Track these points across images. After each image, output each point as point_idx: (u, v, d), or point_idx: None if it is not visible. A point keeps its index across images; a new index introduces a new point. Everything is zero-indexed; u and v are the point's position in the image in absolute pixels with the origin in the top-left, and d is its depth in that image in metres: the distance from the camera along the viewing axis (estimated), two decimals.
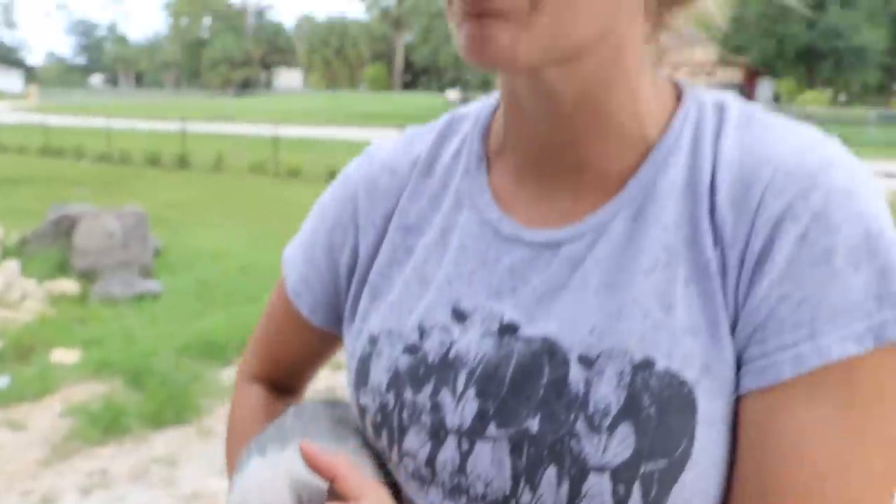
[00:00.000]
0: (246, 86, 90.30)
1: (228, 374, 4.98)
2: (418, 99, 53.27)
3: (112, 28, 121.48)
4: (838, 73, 46.17)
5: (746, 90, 43.62)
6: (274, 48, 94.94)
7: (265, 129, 21.42)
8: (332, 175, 15.48)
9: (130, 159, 19.36)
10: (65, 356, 5.20)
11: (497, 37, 0.58)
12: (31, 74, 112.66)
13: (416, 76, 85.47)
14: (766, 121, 0.67)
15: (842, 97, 49.16)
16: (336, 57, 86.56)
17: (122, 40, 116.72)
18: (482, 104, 0.80)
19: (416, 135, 0.82)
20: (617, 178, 0.68)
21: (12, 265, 6.55)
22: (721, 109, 0.68)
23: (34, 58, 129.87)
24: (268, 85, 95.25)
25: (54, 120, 28.92)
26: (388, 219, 0.78)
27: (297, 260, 0.86)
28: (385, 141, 0.84)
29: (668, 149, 0.67)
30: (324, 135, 25.48)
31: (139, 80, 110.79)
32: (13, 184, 15.38)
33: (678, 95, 0.71)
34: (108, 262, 7.06)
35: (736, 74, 47.38)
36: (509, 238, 0.70)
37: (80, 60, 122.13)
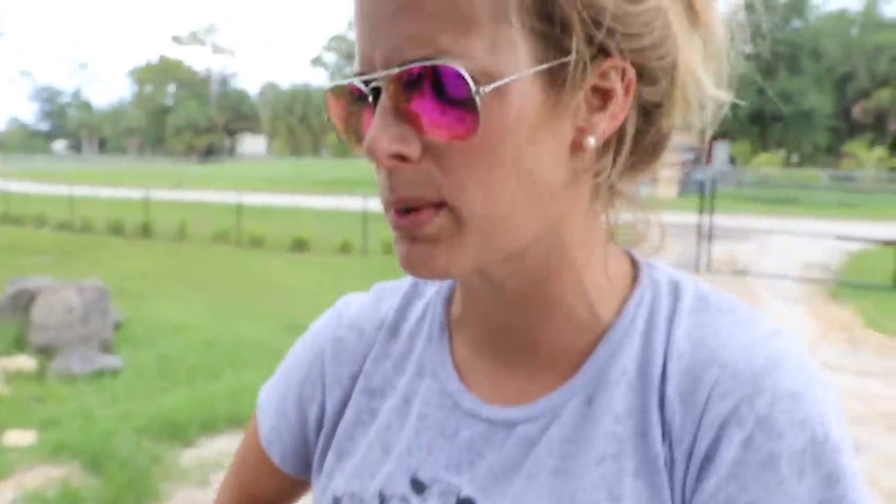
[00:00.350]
0: (210, 152, 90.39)
1: (189, 456, 4.89)
2: None
3: (76, 94, 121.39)
4: (789, 135, 47.72)
5: (702, 153, 44.73)
6: (238, 115, 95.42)
7: (229, 197, 21.41)
8: (296, 244, 15.49)
9: (93, 227, 19.18)
10: (20, 438, 5.07)
11: (429, 258, 0.62)
12: None
13: None
14: (720, 306, 0.68)
15: (794, 158, 50.57)
16: (300, 124, 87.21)
17: (86, 106, 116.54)
18: None
19: (385, 292, 0.84)
20: (571, 360, 0.69)
21: None
22: (676, 292, 0.69)
23: None
24: (232, 151, 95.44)
25: (16, 186, 28.63)
26: (354, 380, 0.80)
27: (269, 409, 0.87)
28: (354, 297, 0.86)
29: (623, 332, 0.68)
30: (288, 202, 25.49)
31: (103, 146, 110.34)
32: None
33: (634, 272, 0.72)
34: (67, 337, 6.94)
35: (691, 137, 48.68)
36: (468, 412, 0.72)
37: (44, 126, 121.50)
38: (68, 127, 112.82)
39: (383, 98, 0.60)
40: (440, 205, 0.61)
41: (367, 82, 0.61)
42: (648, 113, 0.67)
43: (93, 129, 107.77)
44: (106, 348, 7.14)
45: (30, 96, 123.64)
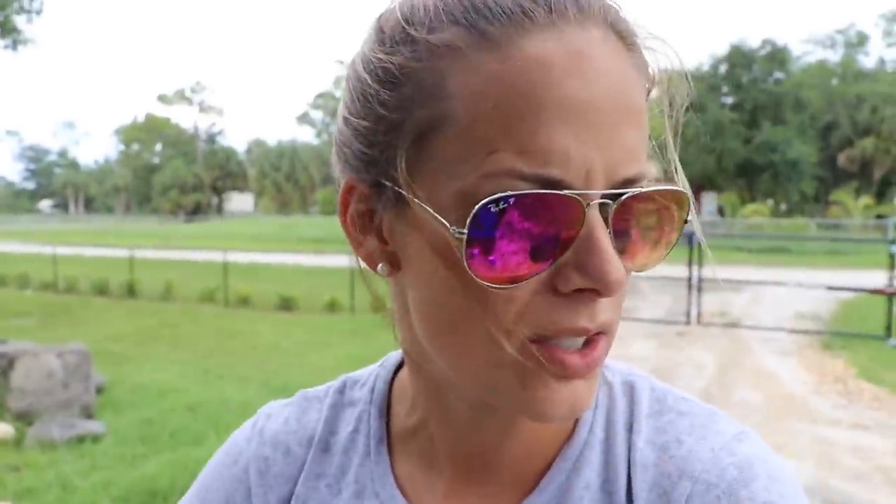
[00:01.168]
0: (197, 210, 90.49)
1: None
2: None
3: (63, 153, 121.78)
4: (776, 184, 48.29)
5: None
6: (225, 173, 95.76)
7: (215, 255, 21.30)
8: (283, 302, 15.31)
9: (77, 288, 18.99)
10: None
11: (587, 396, 0.57)
12: None
13: None
14: (679, 408, 0.65)
15: (782, 207, 51.12)
16: (287, 181, 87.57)
17: (72, 165, 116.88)
18: (375, 372, 0.77)
19: (310, 401, 0.77)
20: (532, 476, 0.65)
21: None
22: (631, 393, 0.66)
23: None
24: (219, 209, 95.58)
25: None
26: (286, 502, 0.73)
27: None
28: (276, 406, 0.79)
29: (581, 443, 0.65)
30: (275, 260, 25.39)
31: (89, 204, 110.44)
32: None
33: None
34: (47, 402, 6.78)
35: None
36: None
37: (30, 185, 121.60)
38: (55, 186, 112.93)
39: (598, 218, 0.52)
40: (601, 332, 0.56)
41: (585, 197, 0.52)
42: None
43: (79, 187, 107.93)
44: (87, 413, 6.97)
45: (16, 156, 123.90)
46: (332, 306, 14.85)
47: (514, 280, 0.53)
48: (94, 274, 19.41)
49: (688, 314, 12.91)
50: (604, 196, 0.52)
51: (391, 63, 0.56)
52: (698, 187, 48.65)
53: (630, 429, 0.64)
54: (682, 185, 0.59)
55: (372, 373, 0.77)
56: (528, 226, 0.52)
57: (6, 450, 6.10)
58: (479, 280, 0.53)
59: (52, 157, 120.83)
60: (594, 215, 0.52)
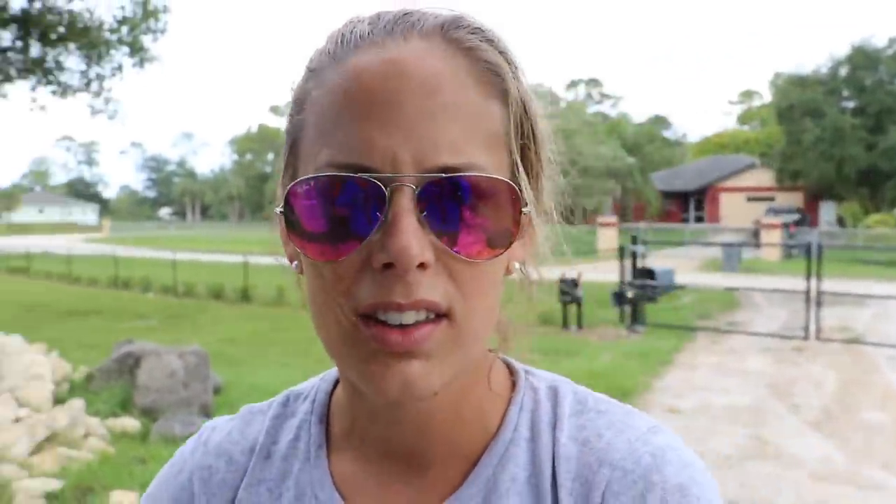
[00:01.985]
0: None
1: None
2: None
3: (181, 163, 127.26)
4: None
5: (808, 214, 43.25)
6: None
7: None
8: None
9: (194, 292, 19.78)
10: (123, 498, 5.13)
11: (423, 377, 0.60)
12: (105, 207, 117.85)
13: None
14: (598, 407, 0.69)
15: None
16: None
17: (190, 174, 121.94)
18: (317, 385, 0.80)
19: (254, 415, 0.80)
20: (459, 473, 0.69)
21: (77, 404, 6.59)
22: (555, 397, 0.71)
23: (109, 191, 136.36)
24: None
25: (123, 251, 29.92)
26: None
27: None
28: (221, 421, 0.82)
29: (507, 440, 0.69)
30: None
31: (205, 212, 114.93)
32: (83, 316, 15.80)
33: (512, 378, 0.73)
34: (169, 400, 7.08)
35: (796, 198, 47.16)
36: None
37: (151, 193, 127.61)
38: (173, 194, 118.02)
39: (404, 201, 0.58)
40: (439, 316, 0.60)
41: (386, 181, 0.58)
42: None
43: (196, 195, 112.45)
44: (206, 412, 7.25)
45: (139, 166, 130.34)
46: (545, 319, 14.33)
47: (335, 256, 0.59)
48: (211, 279, 20.18)
49: (806, 329, 12.40)
50: (408, 180, 0.57)
51: (293, 91, 0.68)
52: (816, 196, 46.71)
53: (554, 427, 0.68)
54: (520, 178, 0.63)
55: (314, 386, 0.80)
56: (334, 206, 0.59)
57: (134, 443, 6.42)
58: (306, 256, 0.62)
59: (172, 167, 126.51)
60: (400, 199, 0.57)
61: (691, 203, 55.04)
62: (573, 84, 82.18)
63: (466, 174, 0.59)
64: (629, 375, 9.17)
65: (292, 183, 0.61)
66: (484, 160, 0.59)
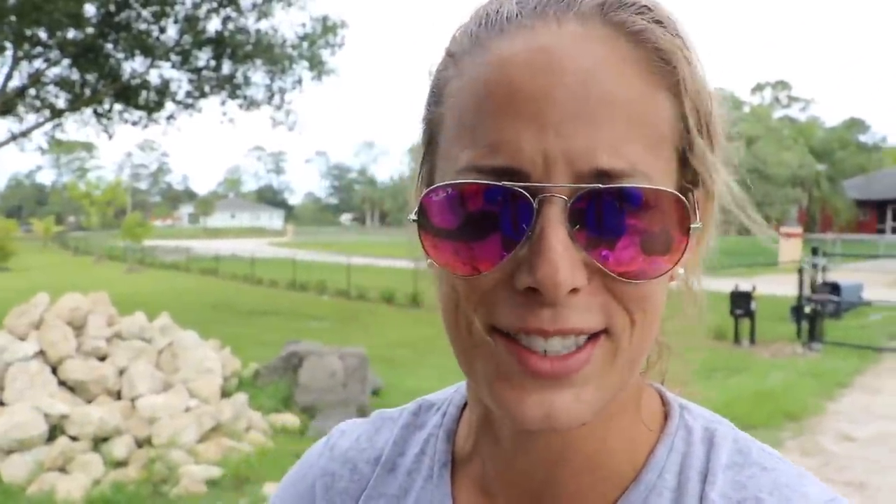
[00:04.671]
0: None
1: None
2: None
3: (362, 171, 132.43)
4: None
5: None
6: None
7: None
8: None
9: (367, 296, 20.45)
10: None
11: (574, 408, 0.52)
12: (290, 213, 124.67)
13: None
14: (763, 463, 0.59)
15: None
16: None
17: (370, 182, 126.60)
18: (451, 395, 0.74)
19: (384, 421, 0.77)
20: None
21: (241, 398, 6.96)
22: (710, 443, 0.61)
23: (294, 198, 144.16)
24: None
25: (303, 255, 31.46)
26: None
27: None
28: (350, 426, 0.79)
29: (649, 486, 0.60)
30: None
31: (383, 218, 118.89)
32: (261, 315, 16.72)
33: (665, 413, 0.64)
34: (328, 399, 7.33)
35: None
36: None
37: (333, 200, 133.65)
38: (354, 201, 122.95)
39: (554, 214, 0.50)
40: (599, 333, 0.52)
41: (534, 190, 0.50)
42: None
43: (375, 203, 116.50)
44: (362, 413, 7.44)
45: (323, 173, 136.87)
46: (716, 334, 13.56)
47: (473, 269, 0.53)
48: (383, 284, 20.78)
49: None
50: (559, 190, 0.50)
51: (431, 76, 0.61)
52: None
53: (704, 479, 0.59)
54: (689, 184, 0.55)
55: (447, 397, 0.75)
56: (474, 217, 0.52)
57: (293, 438, 6.70)
58: (440, 266, 0.55)
59: (353, 175, 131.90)
60: (549, 210, 0.50)
61: (888, 213, 51.06)
62: (759, 87, 78.50)
63: (628, 185, 0.50)
64: (799, 396, 8.55)
65: (427, 189, 0.54)
66: (649, 163, 0.51)
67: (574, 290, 0.50)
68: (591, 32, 0.52)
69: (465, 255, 0.53)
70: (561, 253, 0.49)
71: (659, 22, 0.54)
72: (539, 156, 0.50)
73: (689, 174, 0.55)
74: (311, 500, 0.75)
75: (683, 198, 0.51)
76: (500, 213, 0.51)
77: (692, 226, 0.52)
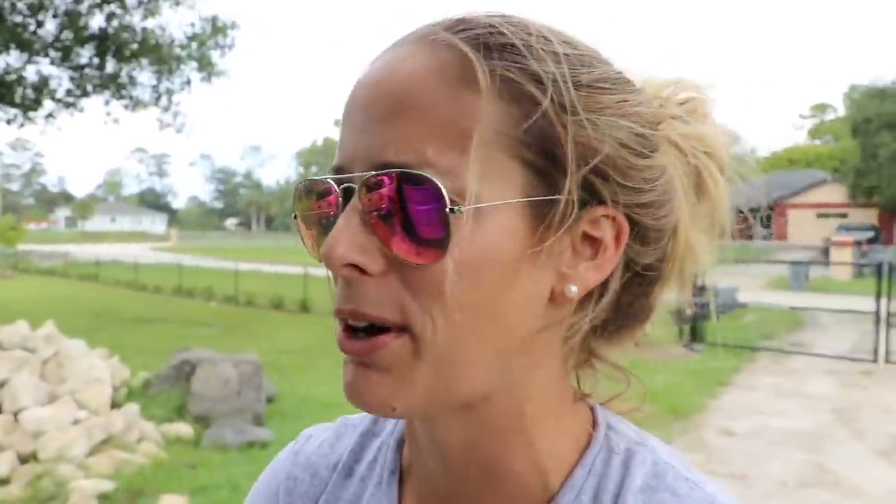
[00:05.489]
0: None
1: None
2: None
3: (248, 175, 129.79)
4: None
5: (882, 231, 41.93)
6: None
7: None
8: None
9: (255, 302, 20.09)
10: (172, 502, 5.22)
11: (375, 389, 0.57)
12: (173, 217, 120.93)
13: None
14: (676, 489, 0.60)
15: None
16: None
17: (256, 186, 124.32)
18: None
19: (347, 428, 0.80)
20: None
21: (133, 408, 6.74)
22: (626, 466, 0.62)
23: (178, 202, 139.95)
24: None
25: (189, 261, 30.63)
26: None
27: None
28: (316, 431, 0.82)
29: None
30: None
31: (270, 223, 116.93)
32: (146, 323, 16.18)
33: (592, 433, 0.65)
34: (222, 408, 7.19)
35: (870, 215, 45.76)
36: None
37: (218, 204, 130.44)
38: (240, 205, 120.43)
39: (354, 200, 0.56)
40: (400, 330, 0.56)
41: (340, 181, 0.58)
42: (639, 275, 0.63)
43: (262, 207, 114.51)
44: (258, 421, 7.34)
45: (207, 177, 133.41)
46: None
47: (317, 255, 0.60)
48: (272, 289, 20.45)
49: (875, 351, 11.96)
50: (354, 181, 0.57)
51: None
52: (891, 213, 45.17)
53: (616, 501, 0.61)
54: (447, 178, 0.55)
55: None
56: (313, 208, 0.61)
57: (186, 449, 6.54)
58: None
59: (239, 179, 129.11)
60: (342, 198, 0.58)
61: (758, 219, 53.68)
62: None
63: (389, 170, 0.55)
64: (684, 395, 8.96)
65: (296, 183, 0.62)
66: (449, 160, 0.54)
67: (360, 270, 0.55)
68: (418, 49, 0.58)
69: (310, 242, 0.63)
70: (341, 229, 0.55)
71: (489, 35, 0.58)
72: (351, 154, 0.58)
73: (553, 183, 0.57)
74: (276, 502, 0.78)
75: (440, 185, 0.53)
76: (321, 204, 0.60)
77: (453, 209, 0.53)
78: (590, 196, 0.58)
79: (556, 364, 0.63)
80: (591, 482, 0.62)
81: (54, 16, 16.00)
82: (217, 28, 17.50)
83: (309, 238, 0.62)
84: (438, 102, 0.55)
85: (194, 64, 17.67)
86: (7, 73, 16.42)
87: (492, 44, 0.57)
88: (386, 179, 0.55)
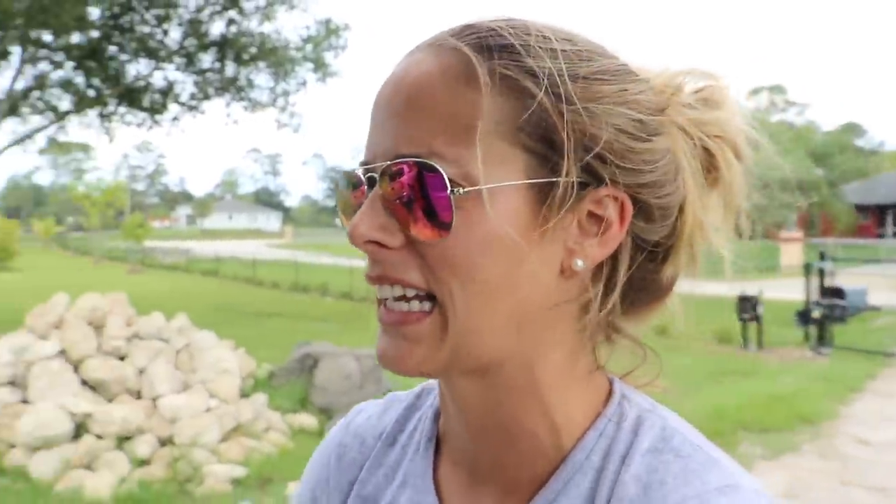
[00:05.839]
0: None
1: None
2: None
3: None
4: None
5: None
6: None
7: None
8: (657, 330, 14.42)
9: (370, 297, 20.28)
10: None
11: (405, 358, 0.65)
12: (287, 215, 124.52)
13: None
14: (680, 450, 0.64)
15: None
16: None
17: None
18: None
19: (393, 402, 0.86)
20: (528, 486, 0.69)
21: (261, 398, 7.03)
22: (636, 431, 0.67)
23: (291, 200, 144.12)
24: None
25: (303, 257, 31.45)
26: (351, 486, 0.83)
27: None
28: (367, 406, 0.89)
29: (576, 466, 0.67)
30: None
31: None
32: (266, 317, 16.76)
33: (607, 401, 0.70)
34: (344, 401, 7.40)
35: None
36: None
37: (330, 202, 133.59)
38: None
39: (376, 188, 0.64)
40: (426, 298, 0.63)
41: (366, 171, 0.66)
42: (651, 252, 0.69)
43: None
44: None
45: (320, 176, 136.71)
46: (723, 338, 12.96)
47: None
48: None
49: None
50: (372, 170, 0.65)
51: None
52: None
53: (623, 461, 0.65)
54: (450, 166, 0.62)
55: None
56: (349, 197, 0.69)
57: (312, 439, 6.76)
58: None
59: None
60: (367, 185, 0.66)
61: (889, 217, 51.12)
62: (755, 91, 78.63)
63: (403, 160, 0.63)
64: (812, 400, 8.57)
65: (333, 180, 0.71)
66: (456, 151, 0.61)
67: (381, 245, 0.63)
68: (427, 55, 0.65)
69: (347, 226, 0.69)
70: (364, 211, 0.64)
71: (490, 37, 0.64)
72: (374, 148, 0.66)
73: (555, 165, 0.63)
74: (328, 470, 0.86)
75: (444, 172, 0.61)
76: (354, 193, 0.68)
77: (454, 191, 0.61)
78: (591, 178, 0.64)
79: (571, 336, 0.68)
80: (601, 444, 0.67)
81: (179, 25, 16.75)
82: (330, 30, 17.96)
83: (347, 224, 0.69)
84: (444, 100, 0.63)
85: (309, 65, 18.19)
86: (137, 79, 17.31)
87: (492, 45, 0.64)
88: (403, 168, 0.62)
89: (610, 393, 0.71)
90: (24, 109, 17.07)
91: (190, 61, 17.56)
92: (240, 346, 8.13)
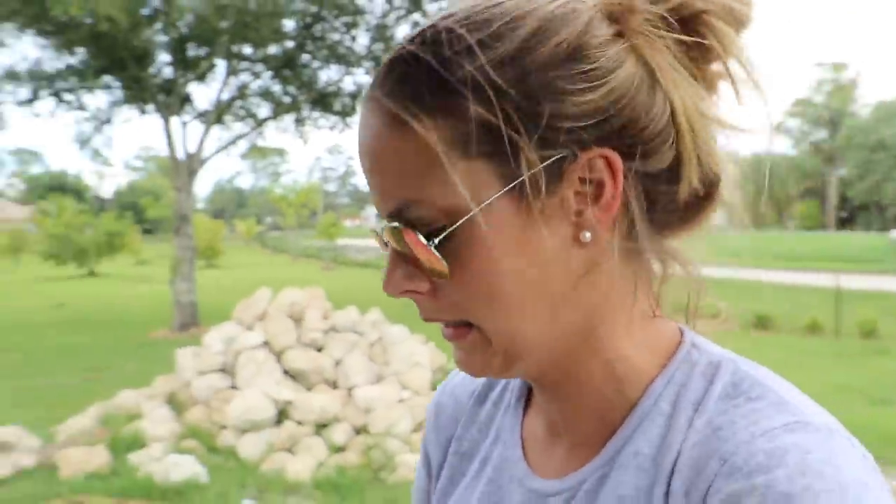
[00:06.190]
0: None
1: None
2: (856, 239, 48.81)
3: None
4: None
5: None
6: None
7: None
8: (758, 320, 14.31)
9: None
10: None
11: (470, 362, 0.69)
12: None
13: (854, 214, 79.11)
14: (751, 392, 0.63)
15: None
16: (760, 194, 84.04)
17: None
18: None
19: None
20: (601, 438, 0.70)
21: None
22: (710, 376, 0.66)
23: None
24: None
25: None
26: (450, 442, 0.87)
27: (419, 465, 0.96)
28: None
29: (644, 413, 0.67)
30: (748, 276, 23.92)
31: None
32: None
33: (675, 349, 0.70)
34: None
35: None
36: (519, 481, 0.75)
37: None
38: None
39: (390, 243, 0.66)
40: (469, 325, 0.66)
41: (375, 231, 0.70)
42: (667, 179, 0.65)
43: None
44: None
45: None
46: (814, 327, 13.60)
47: None
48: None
49: None
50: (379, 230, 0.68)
51: None
52: None
53: (697, 407, 0.64)
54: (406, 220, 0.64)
55: None
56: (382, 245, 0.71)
57: None
58: None
59: None
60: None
61: None
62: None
63: (391, 220, 0.65)
64: None
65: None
66: (420, 190, 0.63)
67: (414, 293, 0.66)
68: (369, 115, 0.65)
69: None
70: (389, 267, 0.67)
71: (415, 75, 0.62)
72: (374, 202, 0.68)
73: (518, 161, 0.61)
74: (430, 426, 0.91)
75: (419, 218, 0.63)
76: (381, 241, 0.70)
77: (433, 239, 0.63)
78: (565, 150, 0.61)
79: (620, 287, 0.67)
80: (670, 390, 0.67)
81: (366, 30, 17.37)
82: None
83: None
84: (395, 154, 0.63)
85: None
86: (328, 85, 18.12)
87: (415, 81, 0.62)
88: (394, 224, 0.64)
89: (679, 343, 0.71)
90: (228, 118, 18.30)
91: (378, 65, 18.14)
92: (430, 341, 8.29)
